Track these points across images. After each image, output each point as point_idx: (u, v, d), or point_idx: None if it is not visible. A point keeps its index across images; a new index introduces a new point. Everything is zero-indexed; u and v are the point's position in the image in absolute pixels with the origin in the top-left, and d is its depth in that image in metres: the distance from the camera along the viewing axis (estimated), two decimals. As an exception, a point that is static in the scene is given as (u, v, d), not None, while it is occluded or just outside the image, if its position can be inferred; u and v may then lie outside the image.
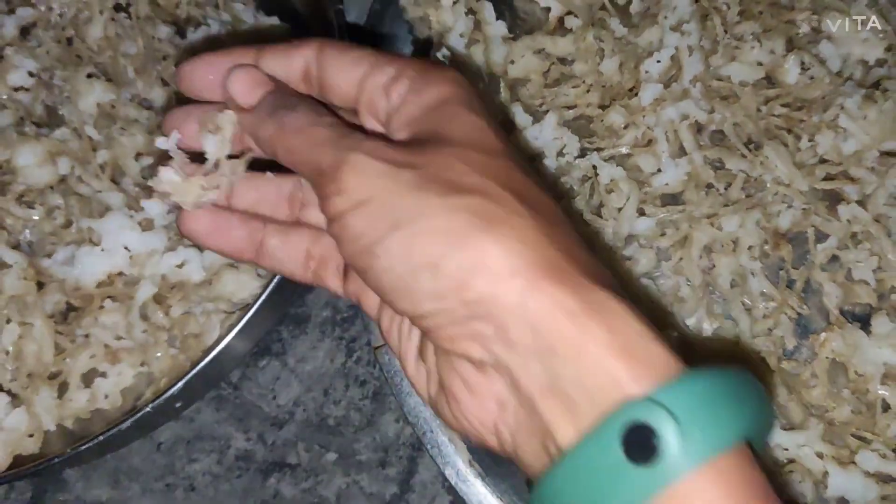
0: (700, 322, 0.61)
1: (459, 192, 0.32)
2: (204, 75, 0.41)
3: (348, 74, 0.37)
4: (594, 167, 0.63)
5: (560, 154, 0.66)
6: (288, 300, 0.66)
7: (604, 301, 0.31)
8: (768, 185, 0.63)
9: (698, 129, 0.66)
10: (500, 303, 0.30)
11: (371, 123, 0.38)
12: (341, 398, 0.64)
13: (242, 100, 0.39)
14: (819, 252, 0.62)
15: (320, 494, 0.62)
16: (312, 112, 0.37)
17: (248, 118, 0.39)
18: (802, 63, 0.65)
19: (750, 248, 0.62)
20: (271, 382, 0.65)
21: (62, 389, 0.61)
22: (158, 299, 0.61)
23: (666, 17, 0.67)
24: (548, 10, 0.72)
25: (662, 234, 0.63)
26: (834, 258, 0.62)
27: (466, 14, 0.69)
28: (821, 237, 0.63)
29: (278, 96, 0.38)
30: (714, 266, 0.61)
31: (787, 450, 0.56)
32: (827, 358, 0.59)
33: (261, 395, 0.64)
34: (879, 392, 0.58)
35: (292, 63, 0.39)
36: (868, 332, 0.59)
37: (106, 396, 0.61)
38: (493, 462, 0.55)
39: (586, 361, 0.30)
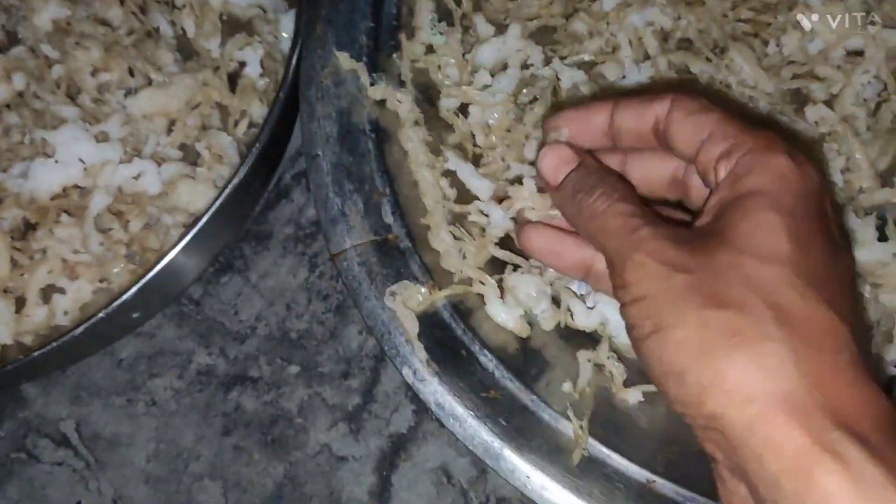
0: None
1: (719, 305, 0.32)
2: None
3: (691, 138, 0.39)
4: (556, 73, 0.62)
5: (524, 66, 0.65)
6: (248, 216, 0.65)
7: (838, 443, 0.29)
8: (734, 88, 0.62)
9: (664, 36, 0.65)
10: (731, 425, 0.31)
11: (697, 183, 0.42)
12: (304, 312, 0.63)
13: (550, 179, 0.44)
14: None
15: (282, 406, 0.61)
16: (608, 199, 0.40)
17: (555, 196, 0.45)
18: (768, -35, 0.64)
19: (714, 150, 0.60)
20: (233, 298, 0.64)
21: (20, 304, 0.60)
22: (116, 213, 0.61)
23: (628, -79, 0.66)
24: (513, -77, 0.71)
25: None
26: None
27: (426, -74, 0.67)
28: (788, 138, 0.61)
29: (580, 177, 0.42)
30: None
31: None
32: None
33: (222, 310, 0.64)
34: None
35: (644, 118, 0.42)
36: (835, 231, 0.58)
37: (66, 313, 0.61)
38: (451, 362, 0.54)
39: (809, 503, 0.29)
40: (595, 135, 0.45)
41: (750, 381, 0.31)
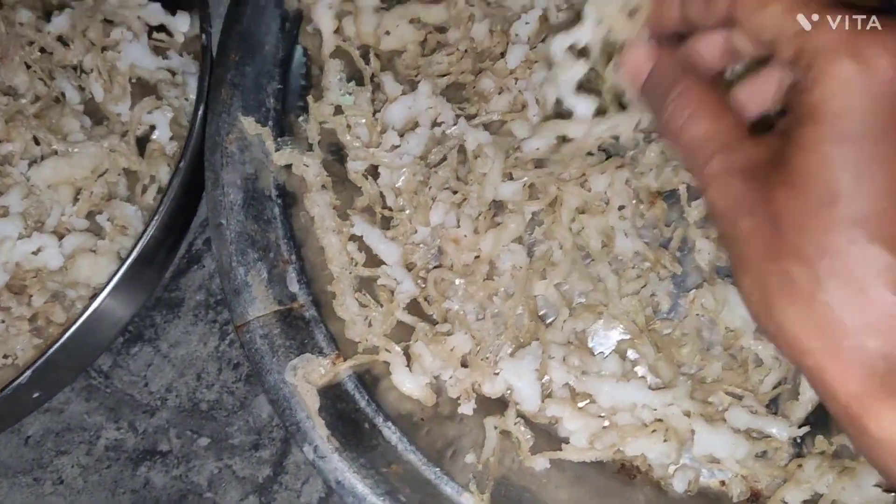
0: (573, 287, 0.60)
1: (775, 256, 0.32)
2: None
3: (757, 38, 0.36)
4: (462, 133, 0.62)
5: (435, 124, 0.65)
6: (157, 284, 0.64)
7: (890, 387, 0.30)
8: (640, 143, 0.62)
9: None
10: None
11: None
12: (214, 382, 0.62)
13: (633, 82, 0.42)
14: (693, 209, 0.61)
15: (192, 481, 0.60)
16: (681, 113, 0.37)
17: (643, 97, 0.42)
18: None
19: (621, 207, 0.60)
20: (143, 369, 0.63)
21: (-80, 384, 0.59)
22: (17, 288, 0.60)
23: (535, -21, 0.65)
24: (425, -23, 0.70)
25: (536, 199, 0.61)
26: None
27: (334, -15, 0.67)
28: (696, 195, 0.61)
29: (659, 80, 0.39)
30: (583, 228, 0.60)
31: (655, 409, 0.55)
32: (697, 315, 0.58)
33: (132, 382, 0.63)
34: (752, 347, 0.57)
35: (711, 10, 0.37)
36: (741, 288, 0.58)
37: (-32, 391, 0.60)
38: (353, 436, 0.54)
39: None
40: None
41: (805, 337, 0.31)
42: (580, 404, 0.57)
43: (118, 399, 0.62)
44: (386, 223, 0.62)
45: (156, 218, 0.56)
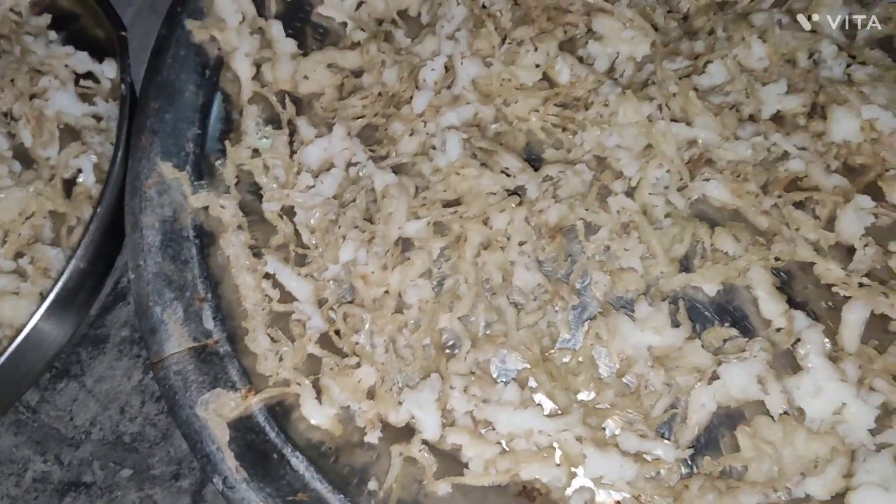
0: (479, 320, 0.63)
1: None
2: None
3: None
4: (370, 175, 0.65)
5: (351, 164, 0.68)
6: (81, 322, 0.67)
7: None
8: (541, 181, 0.65)
9: (482, 132, 0.68)
10: None
11: None
12: (137, 415, 0.65)
13: None
14: (591, 244, 0.64)
15: (114, 511, 0.63)
16: None
17: None
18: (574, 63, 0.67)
19: (522, 243, 0.64)
20: (69, 404, 0.66)
21: None
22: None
23: (443, 27, 0.69)
24: (344, 24, 0.74)
25: (442, 235, 0.64)
26: (606, 248, 0.65)
27: (252, 34, 0.70)
28: (594, 230, 0.65)
29: None
30: (485, 263, 0.63)
31: (549, 435, 0.58)
32: (591, 344, 0.61)
33: (58, 416, 0.65)
34: (645, 374, 0.60)
35: None
36: (633, 318, 0.61)
37: None
38: (261, 467, 0.56)
39: None
40: None
41: None
42: (483, 431, 0.60)
43: (45, 433, 0.64)
44: (301, 261, 0.65)
45: (73, 261, 0.59)
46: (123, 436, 0.65)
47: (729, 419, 0.60)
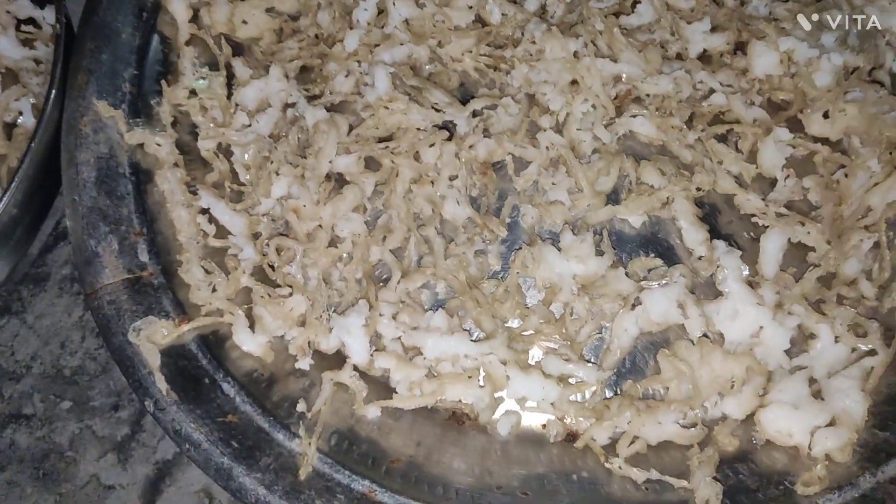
0: (411, 253, 0.65)
1: None
2: None
3: None
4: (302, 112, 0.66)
5: (288, 105, 0.69)
6: (19, 259, 0.68)
7: None
8: (470, 116, 0.66)
9: (414, 71, 0.69)
10: None
11: None
12: (77, 349, 0.66)
13: None
14: (520, 178, 0.66)
15: (54, 441, 0.64)
16: None
17: None
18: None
19: (452, 178, 0.65)
20: (10, 340, 0.67)
21: None
22: None
23: (377, -32, 0.70)
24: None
25: (374, 171, 0.66)
26: (535, 183, 0.66)
27: (190, -24, 0.71)
28: (524, 165, 0.66)
29: None
30: (416, 197, 0.65)
31: (475, 359, 0.59)
32: (517, 273, 0.63)
33: (-1, 352, 0.67)
34: (570, 302, 0.62)
35: None
36: (559, 249, 0.63)
37: None
38: (192, 391, 0.58)
39: None
40: None
41: None
42: (412, 358, 0.61)
43: (-15, 368, 0.66)
44: (237, 198, 0.66)
45: (6, 195, 0.60)
46: (64, 369, 0.66)
47: (654, 346, 0.62)
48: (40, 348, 0.67)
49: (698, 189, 0.64)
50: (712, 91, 0.67)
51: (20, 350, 0.67)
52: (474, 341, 0.60)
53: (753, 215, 0.64)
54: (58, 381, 0.66)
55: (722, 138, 0.66)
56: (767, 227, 0.63)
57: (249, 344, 0.61)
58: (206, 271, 0.62)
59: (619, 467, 0.57)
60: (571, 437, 0.60)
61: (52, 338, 0.67)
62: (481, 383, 0.60)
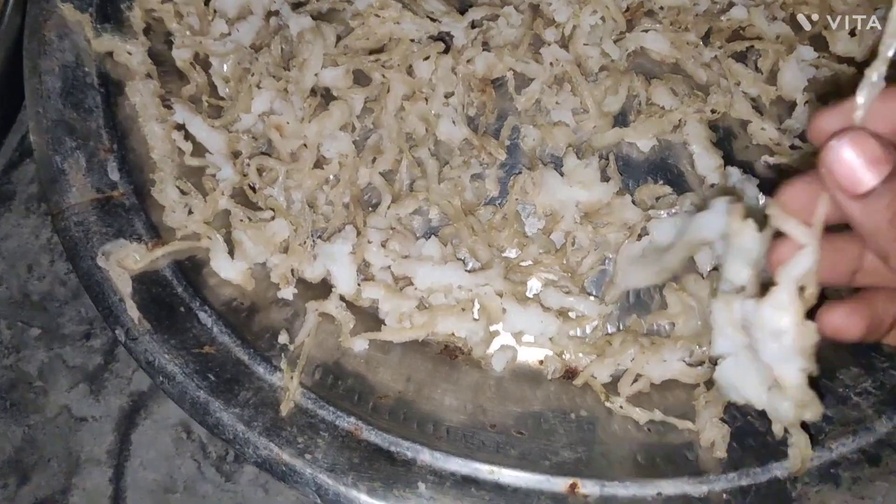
0: (402, 177, 0.60)
1: None
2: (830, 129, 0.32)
3: None
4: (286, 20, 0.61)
5: (271, 14, 0.63)
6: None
7: None
8: (468, 27, 0.61)
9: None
10: None
11: None
12: (46, 273, 0.62)
13: (848, 184, 0.31)
14: (521, 97, 0.61)
15: (22, 370, 0.60)
16: None
17: (851, 205, 0.31)
18: None
19: (447, 95, 0.60)
20: (-27, 262, 0.63)
21: None
22: None
23: None
24: None
25: (364, 86, 0.61)
26: (537, 102, 0.61)
27: None
28: (526, 83, 0.61)
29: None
30: (408, 114, 0.60)
31: (469, 291, 0.56)
32: (516, 199, 0.59)
33: (-38, 275, 0.62)
34: (572, 231, 0.58)
35: None
36: (562, 174, 0.59)
37: None
38: (166, 319, 0.54)
39: None
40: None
41: None
42: (402, 289, 0.57)
43: (-52, 292, 0.62)
44: (216, 113, 0.61)
45: (-39, 104, 0.55)
46: (31, 294, 0.62)
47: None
48: (6, 271, 0.62)
49: (713, 111, 0.59)
50: (731, 4, 0.61)
51: (-16, 274, 0.62)
52: (469, 271, 0.56)
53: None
54: (25, 306, 0.62)
55: (740, 57, 0.61)
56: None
57: (228, 271, 0.57)
58: (182, 192, 0.58)
59: (621, 406, 0.54)
60: (570, 373, 0.57)
61: (19, 261, 0.62)
62: (476, 316, 0.56)
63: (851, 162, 0.30)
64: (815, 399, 0.37)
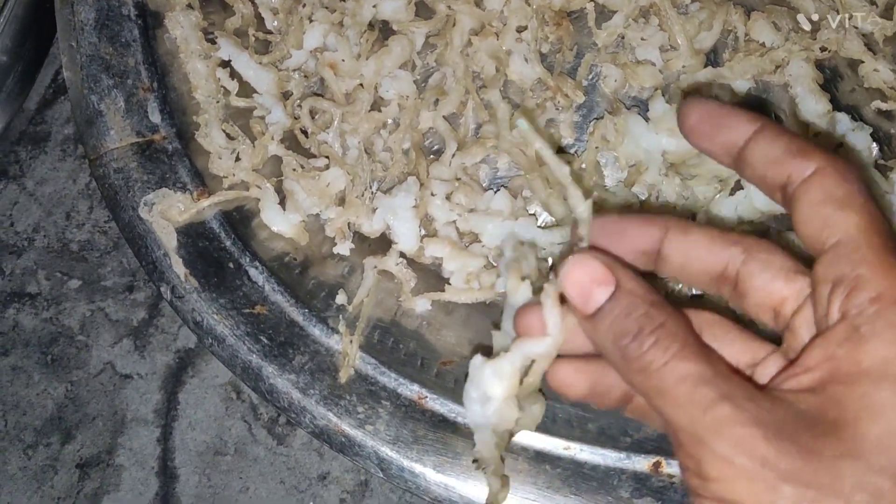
0: (468, 121, 0.55)
1: None
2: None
3: (814, 233, 0.30)
4: (343, -57, 0.55)
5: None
6: (14, 113, 0.58)
7: None
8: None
9: None
10: None
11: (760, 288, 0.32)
12: (85, 221, 0.58)
13: (579, 305, 0.32)
14: (602, 32, 0.55)
15: (63, 323, 0.57)
16: (664, 352, 0.29)
17: (588, 327, 0.32)
18: None
19: (521, 29, 0.54)
20: (8, 208, 0.59)
21: None
22: None
23: None
24: None
25: (427, 19, 0.55)
26: (620, 38, 0.55)
27: None
28: (607, 16, 0.55)
29: (622, 314, 0.31)
30: (477, 52, 0.54)
31: (543, 249, 0.51)
32: (596, 147, 0.53)
33: (-3, 222, 0.59)
34: (656, 183, 0.52)
35: (718, 252, 0.33)
36: (647, 119, 0.53)
37: None
38: (214, 276, 0.50)
39: None
40: (635, 254, 0.35)
41: None
42: (468, 245, 0.53)
43: (-18, 239, 0.58)
44: (263, 49, 0.56)
45: (-9, 36, 0.50)
46: (70, 244, 0.58)
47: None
48: (43, 219, 0.58)
49: (823, 50, 0.52)
50: (846, -74, 0.54)
51: (21, 220, 0.59)
52: (542, 228, 0.51)
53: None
54: (64, 256, 0.58)
55: (853, -14, 0.54)
56: None
57: (280, 223, 0.52)
58: (229, 136, 0.53)
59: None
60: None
61: (56, 207, 0.58)
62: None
63: (580, 282, 0.32)
64: (506, 483, 0.37)
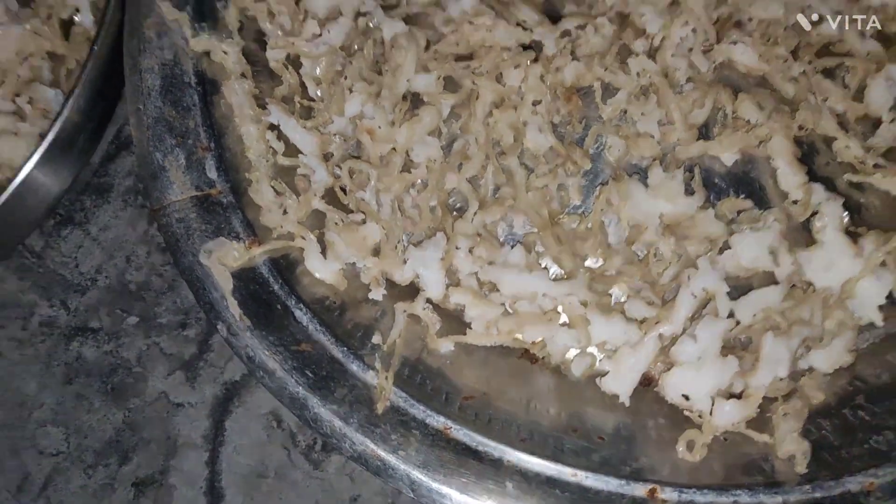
0: (488, 182, 0.62)
1: None
2: None
3: None
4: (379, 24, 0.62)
5: (360, 14, 0.64)
6: (82, 168, 0.65)
7: None
8: (559, 37, 0.62)
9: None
10: None
11: None
12: (143, 264, 0.65)
13: None
14: (607, 107, 0.62)
15: (121, 356, 0.63)
16: None
17: None
18: None
19: (536, 103, 0.61)
20: (74, 251, 0.65)
21: None
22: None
23: None
24: None
25: (454, 92, 0.62)
26: (623, 112, 0.62)
27: None
28: (612, 93, 0.62)
29: None
30: (496, 122, 0.61)
31: (554, 299, 0.57)
32: (601, 210, 0.60)
33: (63, 262, 0.65)
34: (654, 243, 0.59)
35: None
36: (647, 185, 0.60)
37: None
38: (264, 317, 0.56)
39: None
40: None
41: None
42: (487, 294, 0.59)
43: (50, 278, 0.65)
44: (307, 114, 0.63)
45: (70, 100, 0.57)
46: (129, 284, 0.65)
47: (736, 291, 0.59)
48: (105, 261, 0.65)
49: (801, 128, 0.60)
50: (822, 19, 0.62)
51: (84, 262, 0.65)
52: (553, 280, 0.58)
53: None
54: (123, 295, 0.64)
55: (828, 73, 0.61)
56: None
57: (322, 270, 0.59)
58: (277, 192, 0.60)
59: (700, 416, 0.56)
60: (648, 381, 0.59)
61: (117, 251, 0.65)
62: (563, 320, 0.58)
63: None
64: None
